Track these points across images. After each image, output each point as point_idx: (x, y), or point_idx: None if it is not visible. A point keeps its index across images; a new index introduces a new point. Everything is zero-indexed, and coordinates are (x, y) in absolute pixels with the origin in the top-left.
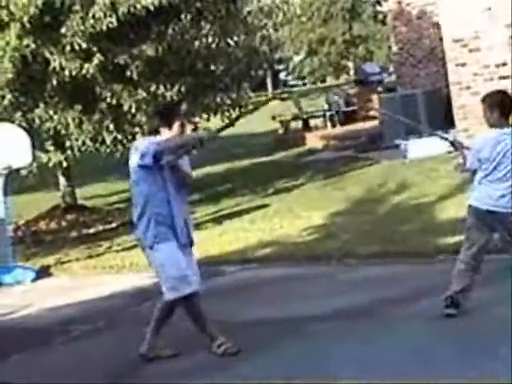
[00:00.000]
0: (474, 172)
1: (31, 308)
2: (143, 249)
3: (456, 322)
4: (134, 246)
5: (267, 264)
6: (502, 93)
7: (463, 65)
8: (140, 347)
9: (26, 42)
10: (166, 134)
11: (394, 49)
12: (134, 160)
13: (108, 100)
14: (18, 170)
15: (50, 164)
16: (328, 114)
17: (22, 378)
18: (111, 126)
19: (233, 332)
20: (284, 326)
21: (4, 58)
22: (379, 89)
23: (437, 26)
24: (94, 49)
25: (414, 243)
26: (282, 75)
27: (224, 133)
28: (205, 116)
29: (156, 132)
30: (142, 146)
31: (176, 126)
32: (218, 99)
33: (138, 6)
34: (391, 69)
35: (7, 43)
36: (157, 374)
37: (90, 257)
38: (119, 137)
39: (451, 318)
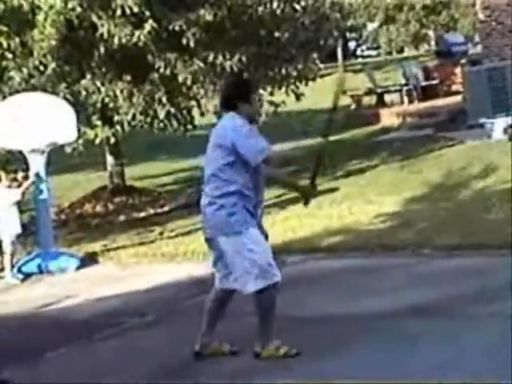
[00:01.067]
0: None
1: (75, 299)
2: (210, 239)
3: None
4: (189, 232)
5: (335, 254)
6: None
7: None
8: (195, 344)
9: (71, 4)
10: (245, 108)
11: (481, 16)
12: (234, 139)
13: (161, 70)
14: (62, 147)
15: (97, 140)
16: (405, 88)
17: (63, 375)
18: (164, 99)
19: (296, 329)
20: (353, 324)
21: (46, 22)
22: (463, 61)
23: None
24: (147, 14)
25: (498, 234)
26: (354, 45)
27: (288, 108)
28: (268, 89)
29: (233, 106)
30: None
31: (254, 99)
32: (283, 71)
33: None
34: (477, 39)
35: (51, 6)
36: (209, 373)
37: (140, 243)
38: (173, 111)
39: None
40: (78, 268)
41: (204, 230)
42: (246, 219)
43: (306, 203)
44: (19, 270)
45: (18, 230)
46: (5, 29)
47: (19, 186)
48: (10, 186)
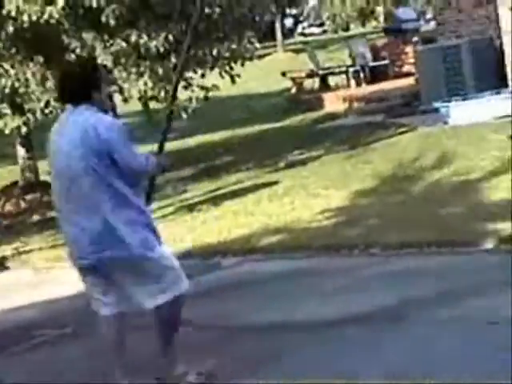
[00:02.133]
0: None
1: None
2: None
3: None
4: None
5: (274, 255)
6: None
7: None
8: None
9: None
10: (98, 97)
11: None
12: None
13: (77, 51)
14: None
15: (7, 131)
16: (351, 69)
17: None
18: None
19: (236, 340)
20: (297, 333)
21: None
22: (415, 39)
23: None
24: None
25: (456, 231)
26: (294, 22)
27: (224, 93)
28: (199, 71)
29: (86, 96)
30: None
31: (105, 86)
32: (215, 50)
33: None
34: (430, 14)
35: None
36: None
37: (55, 246)
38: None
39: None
40: None
41: None
42: None
43: None
44: None
45: None
46: None
47: None
48: None
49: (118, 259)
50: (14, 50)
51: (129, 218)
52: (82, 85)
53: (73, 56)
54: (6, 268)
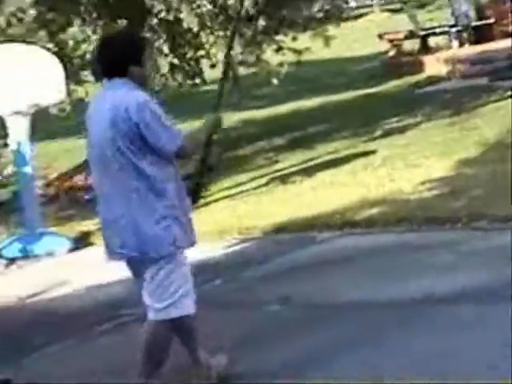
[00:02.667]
0: None
1: (67, 286)
2: None
3: None
4: (199, 207)
5: (373, 229)
6: None
7: None
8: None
9: None
10: (137, 71)
11: None
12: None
13: (162, 15)
14: (47, 109)
15: (87, 99)
16: (454, 29)
17: (54, 376)
18: (165, 49)
19: (335, 318)
20: (398, 311)
21: None
22: None
23: None
24: None
25: None
26: None
27: (317, 56)
28: (290, 34)
29: (122, 71)
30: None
31: (145, 60)
32: (306, 11)
33: None
34: None
35: None
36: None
37: None
38: (177, 62)
39: None
40: (70, 250)
41: None
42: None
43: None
44: None
45: None
46: None
47: None
48: None
49: (143, 259)
50: (95, 15)
51: (158, 212)
52: (119, 57)
53: (155, 20)
54: (91, 244)
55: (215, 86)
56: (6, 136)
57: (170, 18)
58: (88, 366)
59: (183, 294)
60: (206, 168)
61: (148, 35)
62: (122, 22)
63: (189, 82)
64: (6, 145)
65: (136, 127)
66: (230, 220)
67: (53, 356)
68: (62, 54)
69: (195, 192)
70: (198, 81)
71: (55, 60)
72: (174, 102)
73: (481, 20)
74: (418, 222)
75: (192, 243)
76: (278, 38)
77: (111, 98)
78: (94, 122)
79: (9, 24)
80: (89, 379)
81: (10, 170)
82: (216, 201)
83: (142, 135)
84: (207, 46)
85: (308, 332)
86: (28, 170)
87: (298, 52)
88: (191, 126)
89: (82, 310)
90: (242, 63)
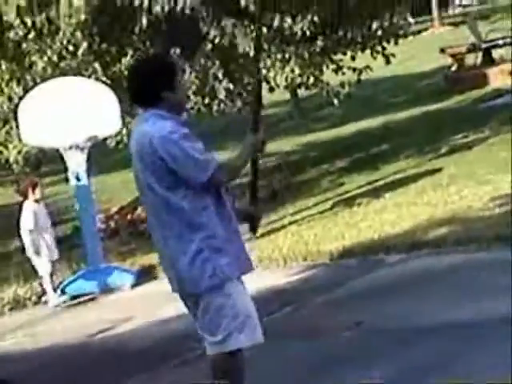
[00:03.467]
0: None
1: (133, 322)
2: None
3: None
4: (264, 235)
5: (443, 249)
6: None
7: None
8: None
9: None
10: (171, 97)
11: None
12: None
13: (216, 40)
14: (104, 141)
15: None
16: None
17: None
18: (220, 74)
19: (413, 343)
20: (476, 331)
21: None
22: None
23: None
24: None
25: None
26: None
27: (378, 74)
28: (349, 53)
29: (155, 99)
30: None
31: (180, 84)
32: (365, 29)
33: None
34: None
35: None
36: None
37: None
38: (232, 87)
39: None
40: (134, 285)
41: None
42: None
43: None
44: (63, 292)
45: (55, 255)
46: (24, 4)
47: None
48: (37, 201)
49: (189, 296)
50: (148, 44)
51: (194, 244)
52: (149, 84)
53: (210, 46)
54: (154, 277)
55: (275, 110)
56: (65, 170)
57: (225, 43)
58: None
59: (237, 327)
60: (255, 195)
61: (202, 62)
62: (176, 50)
63: (247, 107)
64: (66, 179)
65: (161, 160)
66: (295, 246)
67: None
68: (116, 86)
69: (251, 220)
70: (254, 106)
71: (110, 92)
72: (234, 127)
73: None
74: (488, 241)
75: (246, 270)
76: (337, 57)
77: (139, 131)
78: (131, 153)
79: (61, 57)
80: None
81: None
82: (281, 227)
83: (170, 168)
84: (264, 71)
85: (385, 357)
86: (88, 204)
87: (357, 71)
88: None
89: (150, 345)
90: (301, 85)
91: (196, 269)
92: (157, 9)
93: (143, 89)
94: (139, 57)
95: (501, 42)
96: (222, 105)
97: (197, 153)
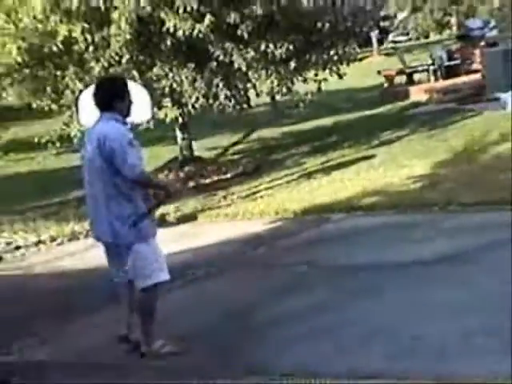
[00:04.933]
0: None
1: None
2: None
3: None
4: (247, 196)
5: (372, 212)
6: None
7: None
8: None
9: (142, 3)
10: (121, 106)
11: (496, 4)
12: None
13: (220, 58)
14: (137, 125)
15: (168, 119)
16: (431, 68)
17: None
18: (221, 84)
19: (341, 276)
20: (389, 271)
21: (121, 20)
22: (481, 43)
23: None
24: (206, 10)
25: None
26: (386, 32)
27: (331, 87)
28: (313, 71)
29: (110, 105)
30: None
31: (128, 96)
32: (325, 56)
33: None
34: (493, 23)
35: (126, 5)
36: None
37: (207, 206)
38: (230, 93)
39: None
40: None
41: None
42: None
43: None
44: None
45: None
46: (88, 26)
47: None
48: None
49: (114, 245)
50: (171, 58)
51: (125, 214)
52: (107, 95)
53: (214, 63)
54: (167, 223)
55: (260, 109)
56: None
57: (226, 60)
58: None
59: (153, 269)
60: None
61: (208, 74)
62: (191, 65)
63: (238, 107)
64: None
65: (110, 153)
66: (269, 205)
67: None
68: (148, 87)
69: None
70: (245, 106)
71: (144, 91)
72: (230, 121)
73: (451, 61)
74: (405, 207)
75: (154, 234)
76: (305, 73)
77: (98, 129)
78: (88, 145)
79: (110, 65)
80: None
81: None
82: (256, 193)
83: (113, 160)
84: (253, 81)
85: (324, 286)
86: None
87: (318, 83)
88: (238, 135)
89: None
90: (278, 92)
91: (127, 227)
92: (179, 33)
93: (102, 98)
94: (102, 77)
95: (419, 68)
96: (221, 105)
97: (132, 158)
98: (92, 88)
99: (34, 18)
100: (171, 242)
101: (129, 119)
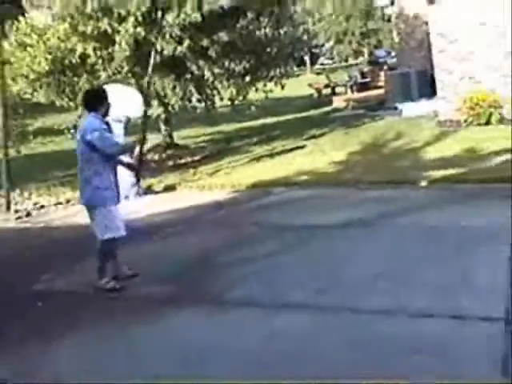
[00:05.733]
0: None
1: (140, 214)
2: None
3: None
4: (212, 173)
5: (304, 187)
6: None
7: (442, 51)
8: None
9: (138, 30)
10: (102, 108)
11: (396, 39)
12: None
13: (194, 72)
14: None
15: (154, 115)
16: (349, 84)
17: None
18: (194, 90)
19: (280, 232)
20: (314, 229)
21: (122, 41)
22: (385, 67)
23: (426, 23)
24: (185, 35)
25: (405, 175)
26: (317, 56)
27: (275, 95)
28: (262, 83)
29: (94, 108)
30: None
31: (107, 102)
32: (272, 72)
33: (216, 5)
34: (394, 53)
35: (126, 30)
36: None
37: (182, 179)
38: (200, 97)
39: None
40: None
41: None
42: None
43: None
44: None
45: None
46: (98, 45)
47: None
48: None
49: (88, 207)
50: (158, 70)
51: (97, 183)
52: (92, 99)
53: (190, 75)
54: (153, 192)
55: (223, 109)
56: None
57: (199, 73)
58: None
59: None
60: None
61: (184, 83)
62: (172, 76)
63: (206, 108)
64: None
65: (89, 140)
66: (228, 180)
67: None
68: (141, 90)
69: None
70: (211, 107)
71: (138, 93)
72: (200, 118)
73: (363, 79)
74: (326, 184)
75: (116, 202)
76: (257, 85)
77: (84, 124)
78: (78, 133)
79: (113, 74)
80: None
81: None
82: (219, 171)
83: (93, 144)
84: (218, 89)
85: (268, 242)
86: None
87: (266, 92)
88: (205, 130)
89: (146, 227)
90: (236, 98)
91: (95, 194)
92: (164, 52)
93: (88, 101)
94: (90, 87)
95: (340, 83)
96: (194, 106)
97: (108, 138)
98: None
99: (58, 38)
100: (155, 205)
101: (127, 113)
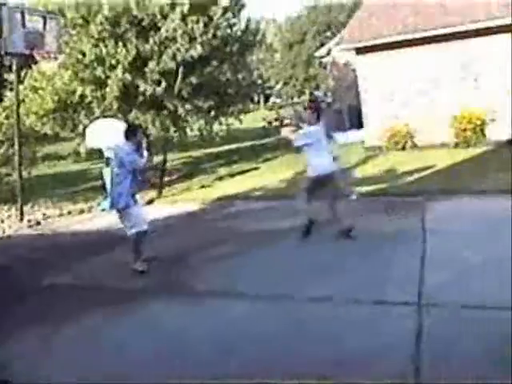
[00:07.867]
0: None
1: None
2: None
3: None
4: (185, 190)
5: (260, 200)
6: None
7: (367, 91)
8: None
9: (126, 75)
10: (134, 139)
11: (331, 83)
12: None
13: (170, 108)
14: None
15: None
16: (293, 117)
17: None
18: (170, 123)
19: (242, 236)
20: (268, 233)
21: (113, 85)
22: (322, 104)
23: (354, 70)
24: (162, 79)
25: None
26: (269, 96)
27: (234, 127)
28: (225, 118)
29: (128, 138)
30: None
31: (139, 135)
32: (232, 109)
33: (188, 56)
34: (329, 94)
35: (116, 76)
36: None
37: (160, 194)
38: (174, 129)
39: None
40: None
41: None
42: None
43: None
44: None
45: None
46: (93, 88)
47: None
48: None
49: (122, 209)
50: (142, 108)
51: (127, 191)
52: (128, 133)
53: (166, 111)
54: (152, 203)
55: (194, 138)
56: (102, 158)
57: (173, 109)
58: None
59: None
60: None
61: (161, 118)
62: (152, 111)
63: (179, 136)
64: (107, 164)
65: (123, 160)
66: (199, 195)
67: (108, 255)
68: (127, 123)
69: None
70: (183, 136)
71: (123, 124)
72: (175, 145)
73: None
74: (276, 197)
75: (133, 204)
76: (220, 119)
77: (122, 148)
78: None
79: (105, 110)
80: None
81: None
82: (190, 188)
83: (125, 163)
84: (189, 121)
85: (233, 241)
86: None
87: (227, 125)
88: (179, 155)
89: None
90: (204, 130)
91: (122, 199)
92: (147, 93)
93: (127, 134)
94: (131, 123)
95: (288, 117)
96: (170, 136)
97: (137, 158)
98: (93, 123)
99: (63, 83)
100: (149, 213)
101: (115, 142)
